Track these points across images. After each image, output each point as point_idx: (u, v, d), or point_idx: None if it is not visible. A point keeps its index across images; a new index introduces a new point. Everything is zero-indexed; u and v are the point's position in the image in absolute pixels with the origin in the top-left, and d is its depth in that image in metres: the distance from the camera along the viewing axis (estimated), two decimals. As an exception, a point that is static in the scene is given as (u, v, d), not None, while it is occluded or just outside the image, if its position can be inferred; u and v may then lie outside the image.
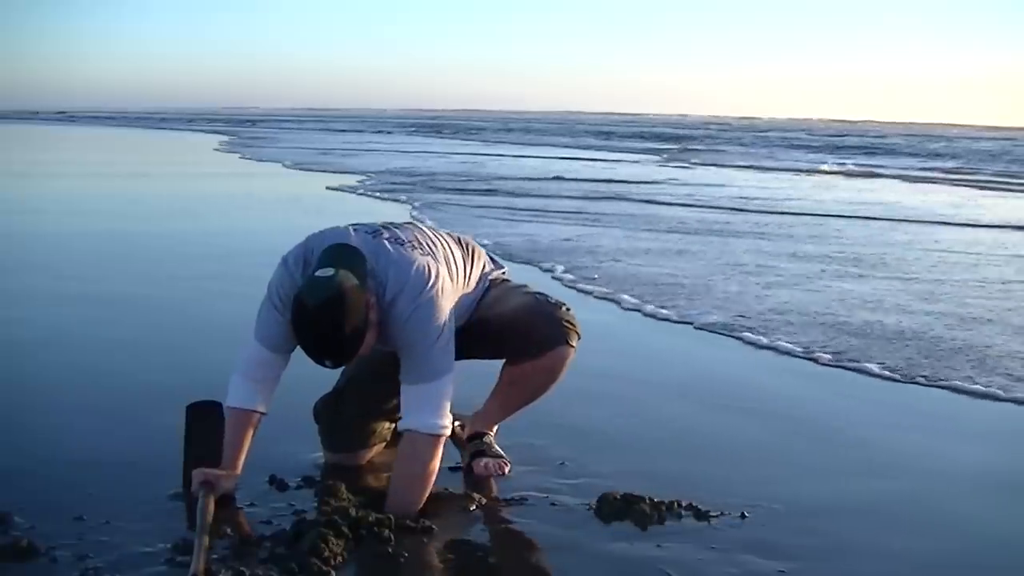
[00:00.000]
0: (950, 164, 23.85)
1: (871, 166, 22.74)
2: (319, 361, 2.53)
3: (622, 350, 4.70)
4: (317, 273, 2.50)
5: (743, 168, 21.31)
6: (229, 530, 2.47)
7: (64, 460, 2.99)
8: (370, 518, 2.50)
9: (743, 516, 2.69)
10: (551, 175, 16.74)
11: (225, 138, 32.15)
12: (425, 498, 2.65)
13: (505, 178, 15.95)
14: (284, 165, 18.45)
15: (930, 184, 18.05)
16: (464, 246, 2.96)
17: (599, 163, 21.82)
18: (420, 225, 2.93)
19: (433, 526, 2.55)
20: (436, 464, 2.65)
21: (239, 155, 22.19)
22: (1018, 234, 10.20)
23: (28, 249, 7.65)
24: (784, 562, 2.43)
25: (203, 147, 26.94)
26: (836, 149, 30.65)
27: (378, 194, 12.79)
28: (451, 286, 2.73)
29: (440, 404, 2.61)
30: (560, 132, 40.61)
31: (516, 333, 2.87)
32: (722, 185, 15.60)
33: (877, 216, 11.34)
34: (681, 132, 42.49)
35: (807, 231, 9.71)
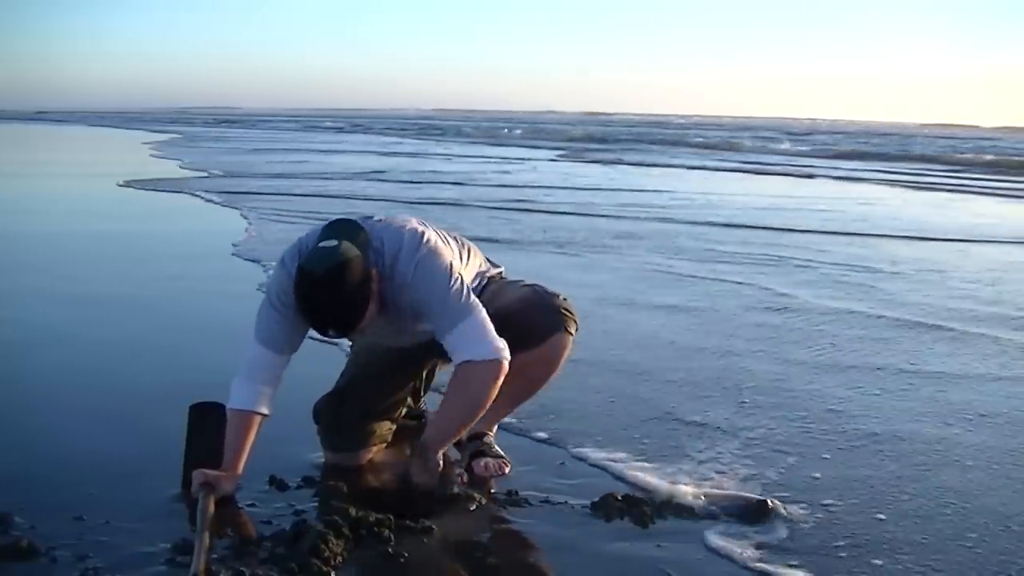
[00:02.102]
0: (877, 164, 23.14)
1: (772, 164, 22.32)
2: (322, 331, 2.57)
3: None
4: (320, 244, 2.56)
5: (628, 165, 21.07)
6: (229, 530, 2.47)
7: (64, 460, 2.99)
8: (370, 518, 2.50)
9: (745, 515, 2.69)
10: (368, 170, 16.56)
11: (166, 136, 32.27)
12: (474, 423, 2.66)
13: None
14: (179, 165, 17.85)
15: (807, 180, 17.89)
16: (459, 242, 2.99)
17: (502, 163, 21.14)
18: (418, 218, 2.96)
19: (433, 526, 2.55)
20: (495, 391, 2.63)
21: (153, 154, 21.74)
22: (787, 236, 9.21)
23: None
24: (785, 562, 2.44)
25: (131, 146, 26.56)
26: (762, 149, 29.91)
27: (170, 190, 12.45)
28: (449, 251, 2.77)
29: (486, 332, 2.61)
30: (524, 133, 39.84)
31: (515, 324, 2.88)
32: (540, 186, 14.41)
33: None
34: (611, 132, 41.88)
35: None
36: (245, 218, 9.53)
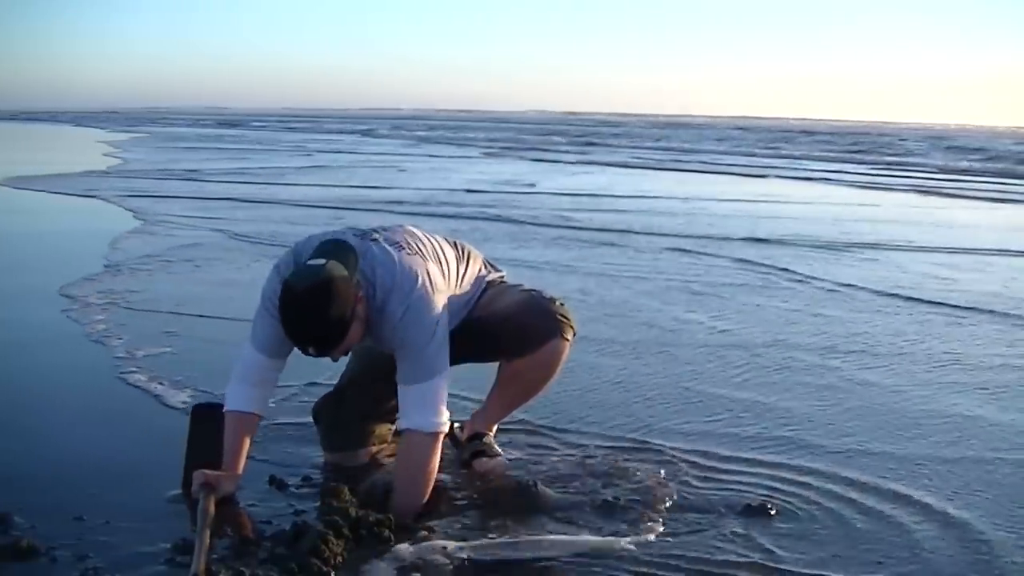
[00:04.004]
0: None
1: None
2: (303, 348, 2.55)
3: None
4: (308, 262, 2.55)
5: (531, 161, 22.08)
6: (229, 530, 2.47)
7: (64, 461, 2.99)
8: (370, 518, 2.51)
9: (746, 512, 2.70)
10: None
11: (127, 136, 32.49)
12: (427, 495, 2.66)
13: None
14: (108, 166, 17.43)
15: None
16: (458, 249, 2.97)
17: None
18: (411, 227, 2.92)
19: (434, 526, 2.55)
20: (436, 461, 2.66)
21: (105, 152, 21.68)
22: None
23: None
24: (791, 558, 2.44)
25: (85, 144, 26.63)
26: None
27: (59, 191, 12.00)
28: (443, 283, 2.74)
29: (437, 402, 2.62)
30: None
31: (511, 329, 2.88)
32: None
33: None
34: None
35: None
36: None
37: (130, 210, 10.00)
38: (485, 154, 24.97)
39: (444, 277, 2.77)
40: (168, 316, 5.03)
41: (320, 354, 2.58)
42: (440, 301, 2.68)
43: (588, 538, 2.54)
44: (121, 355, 4.20)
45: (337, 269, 2.50)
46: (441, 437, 2.66)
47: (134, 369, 3.98)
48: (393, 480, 2.71)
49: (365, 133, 40.45)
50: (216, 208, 10.49)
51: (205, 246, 7.66)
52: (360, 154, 23.75)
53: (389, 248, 2.70)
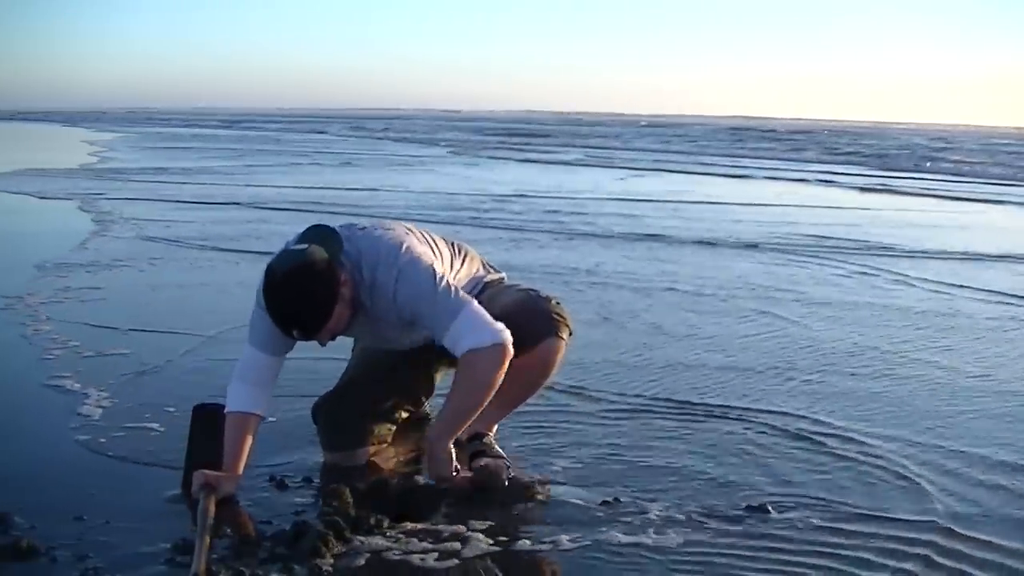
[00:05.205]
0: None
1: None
2: (287, 331, 2.58)
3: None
4: (290, 248, 2.60)
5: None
6: (229, 530, 2.47)
7: (64, 461, 2.99)
8: (370, 518, 2.51)
9: (746, 512, 2.70)
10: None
11: (114, 136, 32.98)
12: (479, 411, 2.66)
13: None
14: (91, 155, 17.81)
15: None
16: (454, 248, 3.00)
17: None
18: (402, 222, 2.96)
19: (433, 526, 2.55)
20: (499, 376, 2.63)
21: (89, 151, 21.92)
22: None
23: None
24: (796, 558, 2.44)
25: (68, 144, 26.98)
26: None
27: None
28: (430, 258, 2.76)
29: (484, 320, 2.62)
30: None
31: (508, 328, 2.88)
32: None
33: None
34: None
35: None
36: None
37: (86, 211, 9.97)
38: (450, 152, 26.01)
39: (434, 257, 2.80)
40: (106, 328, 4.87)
41: (305, 337, 2.60)
42: (429, 257, 2.71)
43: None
44: (49, 358, 4.17)
45: (318, 252, 2.55)
46: (507, 349, 2.61)
47: (68, 374, 3.92)
48: (448, 395, 2.71)
49: (320, 131, 41.46)
50: (181, 210, 10.44)
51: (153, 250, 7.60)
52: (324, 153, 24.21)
53: (374, 231, 2.77)
